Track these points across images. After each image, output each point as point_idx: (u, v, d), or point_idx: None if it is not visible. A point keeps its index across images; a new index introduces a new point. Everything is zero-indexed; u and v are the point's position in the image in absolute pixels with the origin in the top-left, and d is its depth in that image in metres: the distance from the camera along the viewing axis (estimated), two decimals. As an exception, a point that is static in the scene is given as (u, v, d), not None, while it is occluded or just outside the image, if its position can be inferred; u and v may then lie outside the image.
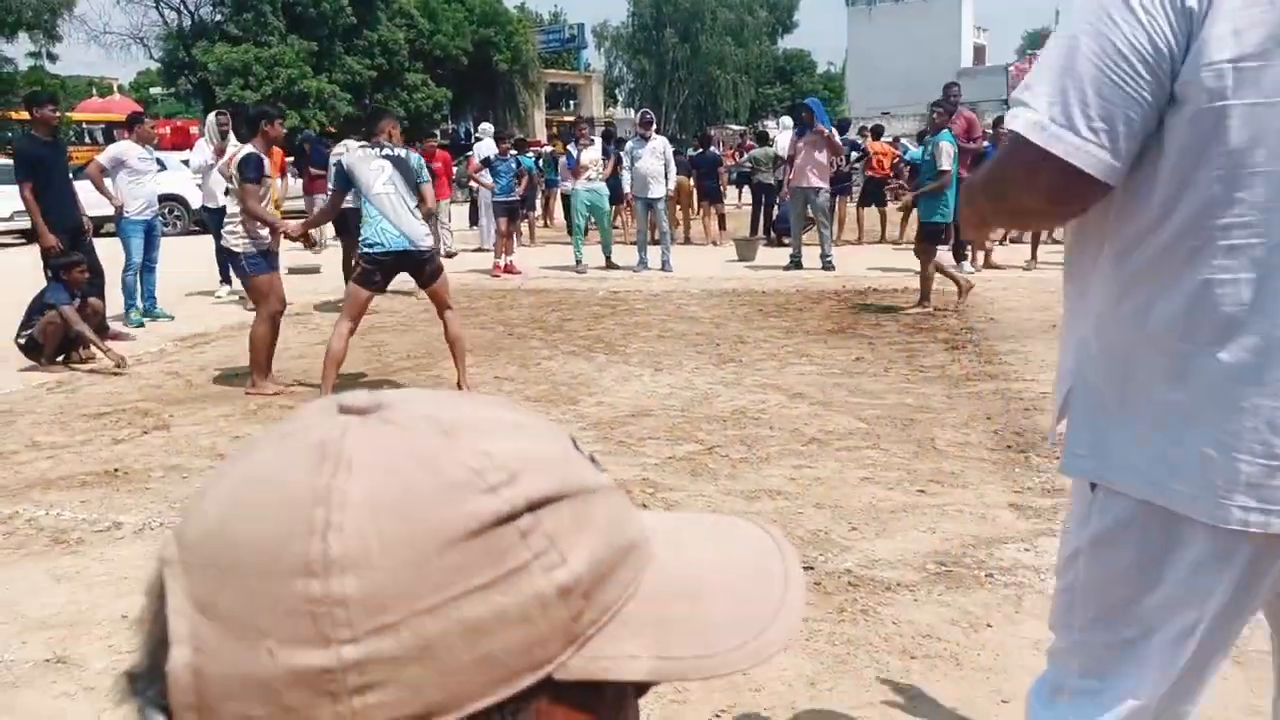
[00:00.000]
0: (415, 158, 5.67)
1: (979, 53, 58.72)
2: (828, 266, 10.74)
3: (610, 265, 11.49)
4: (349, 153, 5.60)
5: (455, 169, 15.12)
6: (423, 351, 6.97)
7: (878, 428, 4.81)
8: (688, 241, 14.33)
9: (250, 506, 0.41)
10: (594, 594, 0.43)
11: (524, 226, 14.90)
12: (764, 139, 15.30)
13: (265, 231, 5.73)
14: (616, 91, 52.42)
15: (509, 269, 11.25)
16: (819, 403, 5.31)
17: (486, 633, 0.40)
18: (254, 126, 5.84)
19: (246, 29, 30.26)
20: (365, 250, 5.42)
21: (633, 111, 35.23)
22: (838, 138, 10.97)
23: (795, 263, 10.92)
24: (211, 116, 9.38)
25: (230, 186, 5.83)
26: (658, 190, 11.06)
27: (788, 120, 15.47)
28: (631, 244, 12.02)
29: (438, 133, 15.92)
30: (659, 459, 4.41)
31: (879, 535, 3.49)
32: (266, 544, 0.40)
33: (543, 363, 6.50)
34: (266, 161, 5.77)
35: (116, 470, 4.43)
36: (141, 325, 8.16)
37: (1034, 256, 10.59)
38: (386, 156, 5.50)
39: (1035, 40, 54.36)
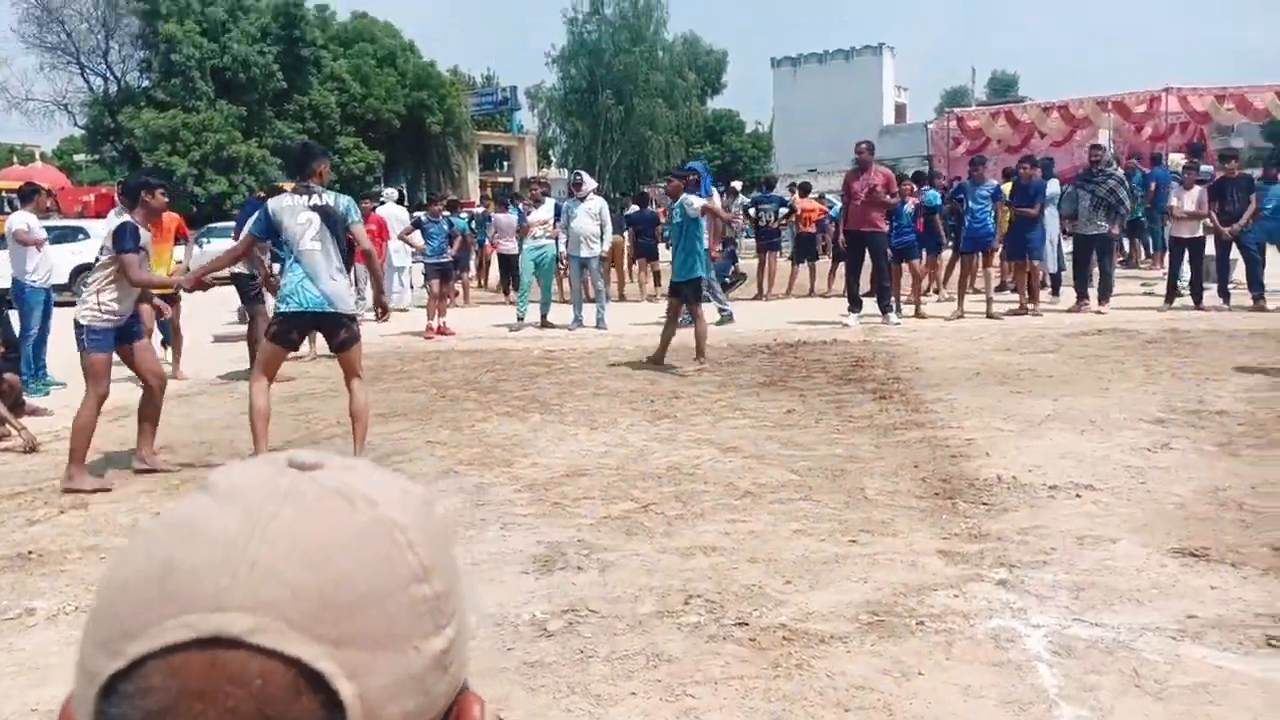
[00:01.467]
0: (345, 200, 5.42)
1: (900, 111, 60.68)
2: (726, 319, 10.85)
3: (546, 324, 11.51)
4: (276, 200, 5.39)
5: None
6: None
7: (809, 479, 4.86)
8: (622, 299, 14.43)
9: (334, 551, 0.46)
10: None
11: (458, 287, 14.89)
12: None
13: (124, 306, 5.33)
14: (550, 152, 52.93)
15: (442, 330, 11.20)
16: (752, 456, 5.36)
17: (466, 607, 0.52)
18: (134, 196, 5.53)
19: (174, 94, 30.05)
20: (283, 307, 5.23)
21: (566, 172, 35.60)
22: (716, 203, 11.16)
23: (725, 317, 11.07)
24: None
25: (100, 257, 5.43)
26: (591, 250, 11.16)
27: (735, 185, 15.92)
28: (567, 303, 12.07)
29: (374, 193, 15.80)
30: (594, 519, 4.40)
31: (812, 587, 3.51)
32: (375, 570, 0.47)
33: (476, 424, 6.45)
34: (144, 231, 5.43)
35: (30, 553, 4.26)
36: (46, 394, 7.96)
37: (960, 307, 10.87)
38: (315, 208, 5.24)
39: (954, 98, 56.39)
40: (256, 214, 5.46)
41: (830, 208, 15.15)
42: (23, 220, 8.27)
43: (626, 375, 8.07)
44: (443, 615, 0.49)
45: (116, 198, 8.97)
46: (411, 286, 14.77)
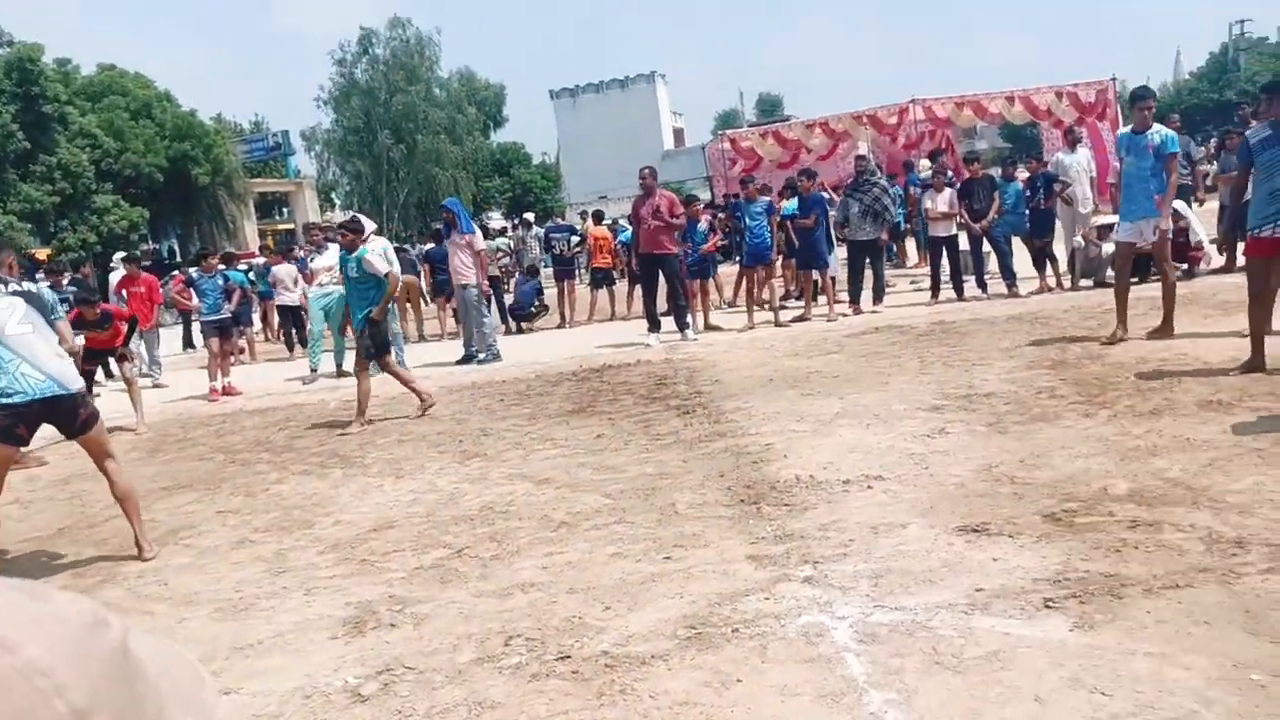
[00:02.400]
0: (48, 293, 5.17)
1: (679, 135, 62.94)
2: (492, 358, 10.87)
3: (342, 373, 11.07)
4: None
5: (161, 290, 14.09)
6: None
7: (622, 501, 4.89)
8: (422, 339, 14.12)
9: None
10: None
11: (243, 343, 14.11)
12: (487, 233, 15.51)
13: None
14: (333, 194, 51.23)
15: (228, 390, 10.56)
16: (565, 485, 5.34)
17: None
18: None
19: (-106, 163, 26.97)
20: (3, 401, 4.60)
21: (348, 213, 34.51)
22: (479, 241, 11.25)
23: (468, 356, 10.99)
24: None
25: None
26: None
27: (529, 216, 15.94)
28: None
29: (139, 253, 14.72)
30: (405, 571, 4.25)
31: (631, 610, 3.52)
32: None
33: (271, 488, 6.11)
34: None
35: None
36: None
37: (750, 319, 11.31)
38: (16, 293, 4.91)
39: (726, 120, 58.98)
40: None
41: (620, 233, 15.47)
42: None
43: (433, 417, 7.88)
44: None
45: None
46: (194, 346, 13.89)
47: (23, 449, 5.02)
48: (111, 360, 9.06)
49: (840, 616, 3.24)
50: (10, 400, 4.58)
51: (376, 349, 7.92)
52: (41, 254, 24.11)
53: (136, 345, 11.10)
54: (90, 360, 9.04)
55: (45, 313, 4.93)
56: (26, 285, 5.03)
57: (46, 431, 8.87)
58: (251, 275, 15.88)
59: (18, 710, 0.41)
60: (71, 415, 4.77)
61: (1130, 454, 4.66)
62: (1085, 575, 3.34)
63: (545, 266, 16.25)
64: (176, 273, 16.97)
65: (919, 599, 3.31)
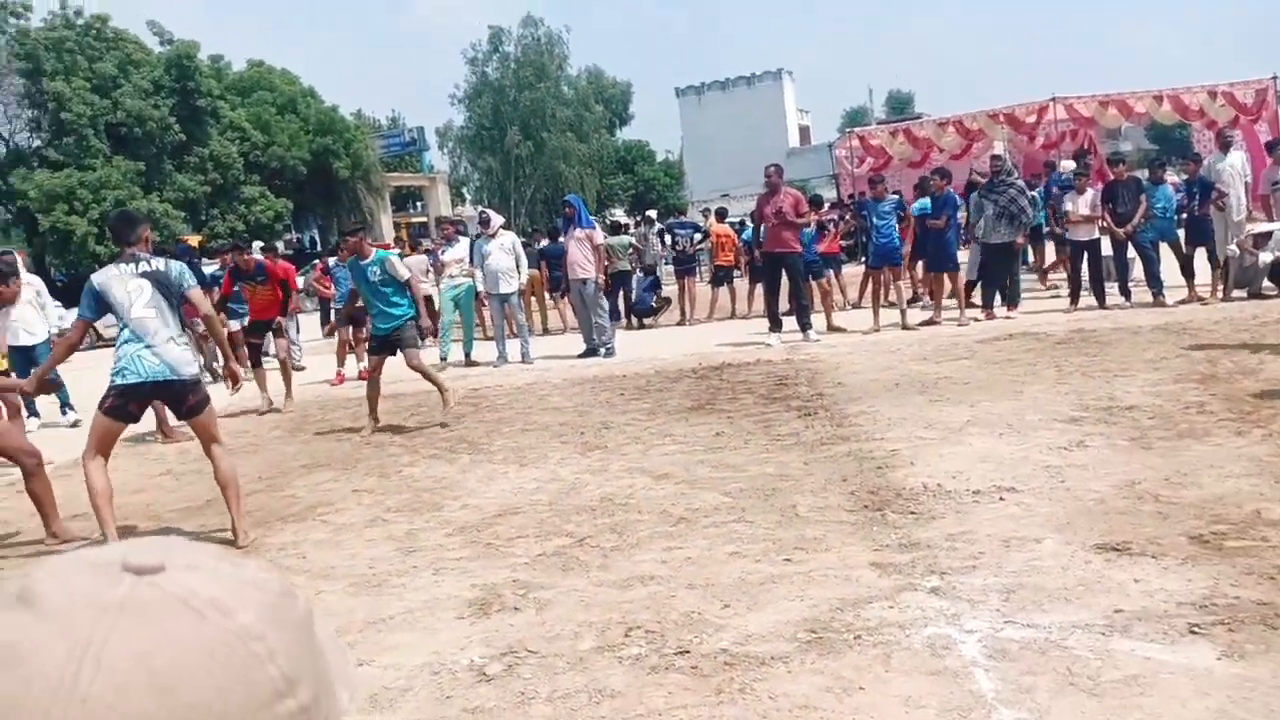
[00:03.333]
0: (177, 268, 5.11)
1: (804, 133, 62.18)
2: (607, 354, 10.94)
3: (470, 362, 11.40)
4: (101, 272, 5.03)
5: (300, 278, 14.77)
6: (275, 471, 6.69)
7: (742, 500, 4.88)
8: (545, 332, 14.38)
9: (182, 673, 0.41)
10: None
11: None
12: (617, 229, 15.68)
13: None
14: (464, 190, 52.69)
15: (363, 375, 10.98)
16: (684, 481, 5.36)
17: (333, 697, 0.49)
18: None
19: (68, 153, 29.12)
20: (117, 382, 4.85)
21: (478, 208, 35.48)
22: (598, 235, 11.39)
23: (590, 350, 11.09)
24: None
25: None
26: (509, 285, 11.13)
27: (651, 214, 16.07)
28: (490, 339, 11.98)
29: (279, 244, 15.45)
30: (529, 557, 4.34)
31: (750, 609, 3.51)
32: (234, 689, 0.42)
33: (404, 470, 6.34)
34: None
35: None
36: None
37: (876, 321, 11.09)
38: (145, 274, 4.93)
39: (855, 118, 57.94)
40: (84, 296, 5.01)
41: (741, 231, 15.40)
42: None
43: (555, 408, 8.03)
44: None
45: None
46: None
47: (132, 425, 5.27)
48: (271, 336, 9.36)
49: (969, 630, 3.15)
50: (125, 380, 4.82)
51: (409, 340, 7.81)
52: (193, 240, 25.58)
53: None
54: (254, 333, 9.46)
55: (174, 293, 4.96)
56: (156, 264, 5.01)
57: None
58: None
59: (236, 673, 0.42)
60: (180, 400, 4.99)
61: (1289, 477, 4.37)
62: (1235, 602, 3.15)
63: (666, 264, 16.31)
64: (317, 261, 17.75)
65: (1053, 617, 3.18)
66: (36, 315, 8.88)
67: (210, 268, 13.99)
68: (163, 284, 4.94)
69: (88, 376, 9.52)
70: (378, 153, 39.79)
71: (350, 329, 11.14)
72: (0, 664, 0.40)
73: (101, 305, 4.92)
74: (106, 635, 0.41)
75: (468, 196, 51.70)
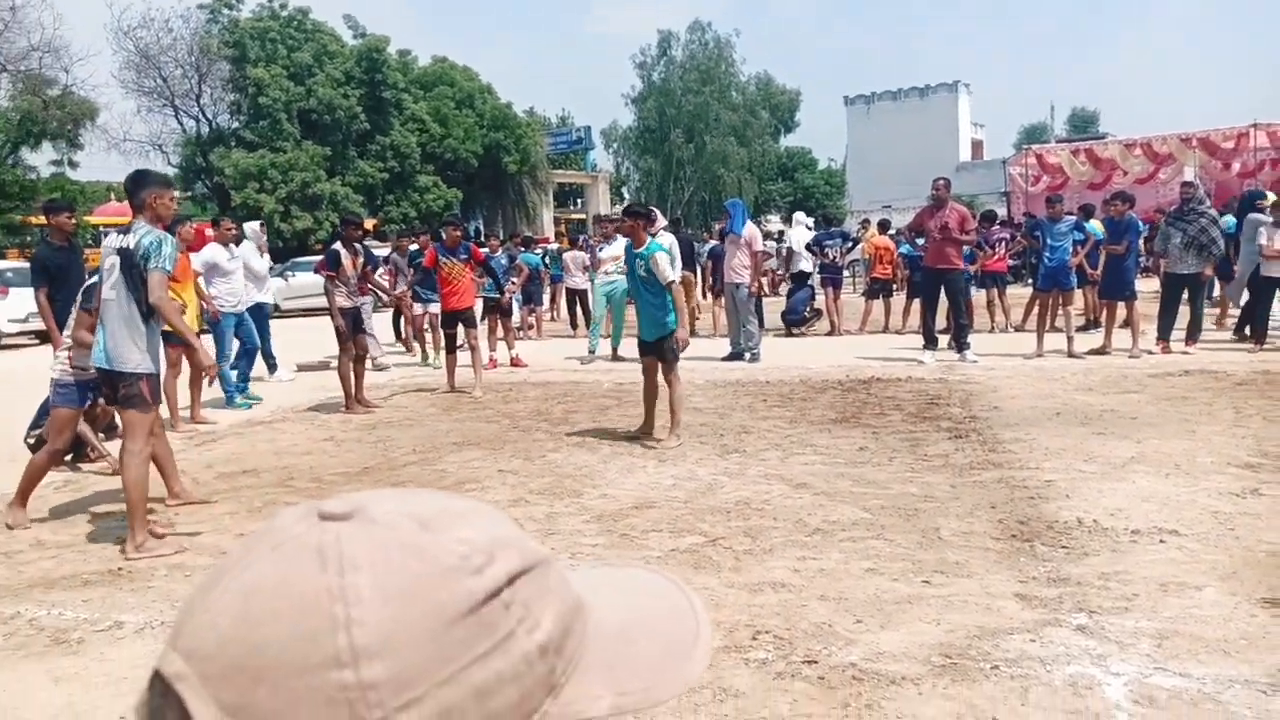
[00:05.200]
0: (150, 240, 4.61)
1: (977, 147, 59.99)
2: (752, 359, 10.84)
3: (617, 358, 11.60)
4: (106, 240, 4.88)
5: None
6: (428, 446, 7.00)
7: (882, 518, 4.78)
8: (694, 333, 14.44)
9: (267, 612, 0.44)
10: (563, 648, 0.50)
11: (533, 320, 15.13)
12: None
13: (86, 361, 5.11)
14: (624, 189, 53.54)
15: (515, 362, 11.36)
16: (823, 493, 5.30)
17: (490, 693, 0.46)
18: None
19: (262, 135, 31.26)
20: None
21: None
22: (759, 242, 11.39)
23: (735, 354, 11.05)
24: (255, 225, 10.70)
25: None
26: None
27: (800, 215, 15.84)
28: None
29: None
30: (662, 551, 4.39)
31: (883, 627, 3.45)
32: (296, 643, 0.43)
33: (547, 455, 6.52)
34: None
35: (119, 569, 4.42)
36: (249, 407, 9.01)
37: (1040, 346, 10.63)
38: (119, 250, 4.66)
39: (1032, 135, 55.54)
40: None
41: (898, 245, 15.02)
42: (211, 252, 9.23)
43: (696, 409, 8.07)
44: (375, 707, 0.43)
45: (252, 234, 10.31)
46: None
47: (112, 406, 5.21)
48: (461, 326, 9.55)
49: (1115, 673, 3.00)
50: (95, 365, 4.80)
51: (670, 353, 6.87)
52: (369, 224, 26.97)
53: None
54: (449, 324, 9.72)
55: (135, 272, 4.62)
56: (130, 239, 4.65)
57: (375, 378, 9.87)
58: (546, 259, 16.95)
59: (305, 630, 0.44)
60: (112, 390, 4.80)
61: None
62: None
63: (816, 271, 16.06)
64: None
65: (1210, 669, 2.99)
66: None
67: (382, 250, 14.75)
68: (128, 262, 4.63)
69: (297, 338, 10.21)
70: (545, 149, 40.89)
71: (497, 315, 11.50)
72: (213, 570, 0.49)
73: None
74: (249, 564, 0.47)
75: (627, 196, 52.48)
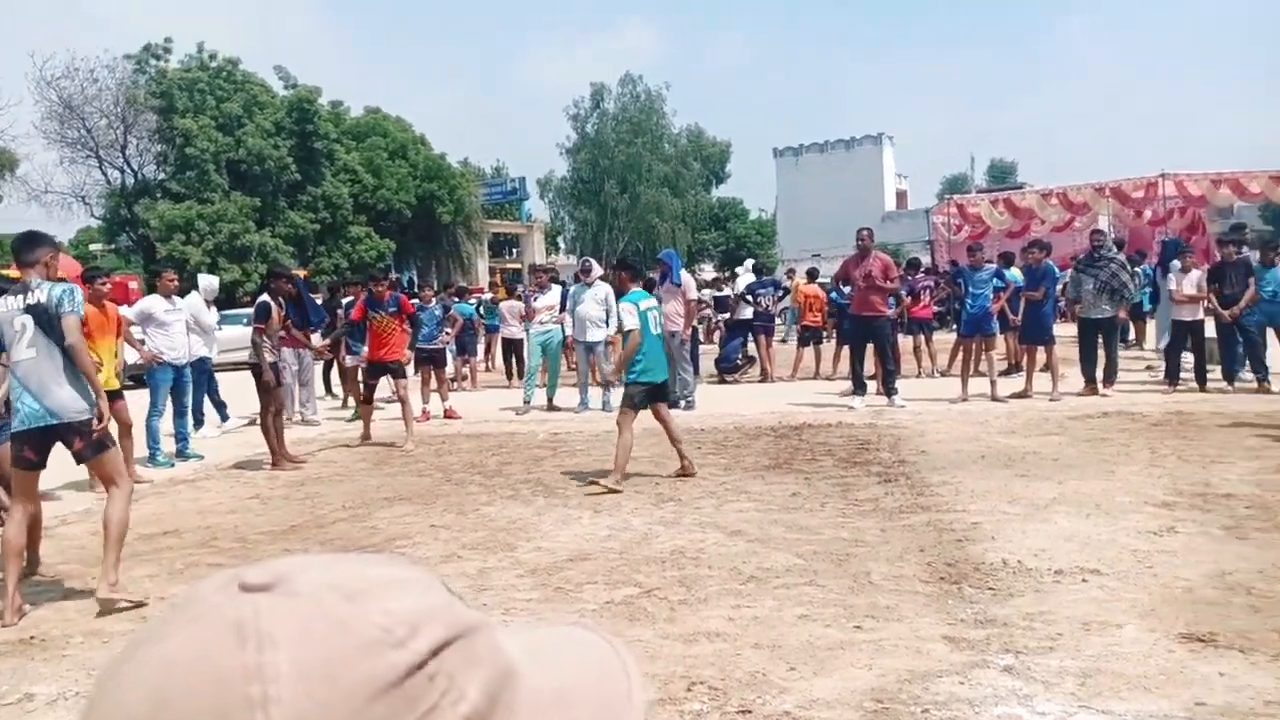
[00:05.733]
0: (57, 292, 4.66)
1: (901, 197, 61.74)
2: (687, 406, 10.92)
3: (552, 407, 11.57)
4: None
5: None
6: (358, 501, 6.88)
7: (815, 563, 4.83)
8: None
9: (180, 691, 0.42)
10: (489, 718, 0.48)
11: (467, 371, 15.02)
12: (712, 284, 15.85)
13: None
14: (559, 239, 53.79)
15: (448, 414, 11.24)
16: (757, 540, 5.33)
17: None
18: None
19: (189, 186, 30.76)
20: (13, 428, 4.75)
21: (574, 258, 36.09)
22: (693, 291, 11.68)
23: (671, 402, 11.11)
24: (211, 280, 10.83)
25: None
26: (597, 334, 11.30)
27: (749, 263, 16.10)
28: (574, 385, 12.15)
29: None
30: (596, 604, 4.37)
31: (816, 674, 3.47)
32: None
33: (481, 508, 6.45)
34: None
35: (32, 638, 4.24)
36: (172, 465, 8.78)
37: (964, 391, 10.89)
38: (29, 308, 4.61)
39: (954, 185, 57.38)
40: None
41: (828, 293, 15.35)
42: (148, 303, 9.16)
43: (632, 458, 8.06)
44: None
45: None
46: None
47: (41, 471, 4.90)
48: (390, 377, 9.52)
49: (1041, 712, 3.06)
50: (14, 428, 4.71)
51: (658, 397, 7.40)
52: (301, 273, 26.61)
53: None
54: (373, 375, 9.68)
55: (55, 328, 4.61)
56: (39, 294, 4.63)
57: (294, 434, 9.72)
58: (480, 309, 16.90)
59: (217, 710, 0.42)
60: (67, 443, 4.70)
61: (1398, 580, 4.14)
62: (1332, 708, 2.99)
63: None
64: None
65: (1131, 705, 3.07)
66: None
67: (319, 297, 14.58)
68: (43, 317, 4.60)
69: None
70: (480, 200, 40.97)
71: (430, 368, 11.40)
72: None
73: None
74: (163, 638, 0.46)
75: (562, 245, 52.75)
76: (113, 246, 36.03)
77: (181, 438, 9.23)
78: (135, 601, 4.65)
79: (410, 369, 11.93)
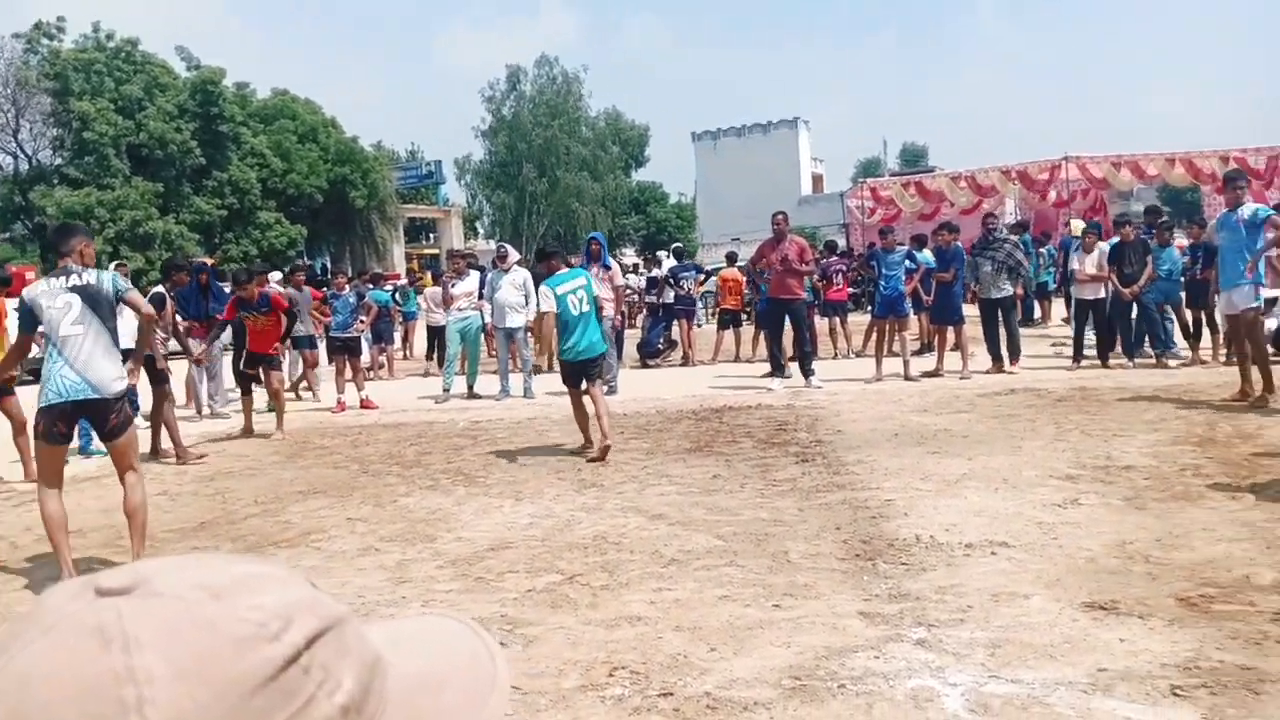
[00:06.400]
0: (108, 277, 5.07)
1: (817, 181, 62.51)
2: (610, 391, 10.96)
3: (473, 395, 11.45)
4: (32, 287, 5.02)
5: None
6: (270, 496, 6.71)
7: (734, 544, 4.88)
8: (551, 369, 14.42)
9: (46, 702, 0.41)
10: (364, 707, 0.49)
11: (384, 359, 14.75)
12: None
13: None
14: (477, 224, 53.11)
15: (365, 404, 11.03)
16: (678, 523, 5.37)
17: None
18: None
19: (88, 172, 29.47)
20: (41, 401, 4.86)
21: (493, 242, 35.77)
22: (618, 276, 11.76)
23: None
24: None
25: None
26: (516, 320, 11.21)
27: (677, 247, 16.08)
28: (494, 373, 12.04)
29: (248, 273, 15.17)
30: (518, 593, 4.34)
31: (736, 654, 3.51)
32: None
33: (399, 500, 6.35)
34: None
35: None
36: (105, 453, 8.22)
37: (879, 371, 11.12)
38: (75, 289, 4.88)
39: (868, 169, 58.39)
40: (20, 311, 5.12)
41: (746, 276, 15.52)
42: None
43: (554, 445, 8.05)
44: None
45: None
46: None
47: (70, 445, 5.20)
48: (263, 368, 9.50)
49: (952, 683, 3.15)
50: (46, 400, 4.83)
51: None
52: (209, 261, 25.78)
53: (289, 356, 11.74)
54: (251, 364, 9.54)
55: (105, 305, 4.92)
56: (87, 277, 4.94)
57: (203, 428, 9.48)
58: (396, 296, 16.61)
59: (91, 714, 0.41)
60: (102, 419, 4.93)
61: (1278, 542, 4.37)
62: (1219, 665, 3.14)
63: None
64: (312, 290, 17.95)
65: (1038, 673, 3.18)
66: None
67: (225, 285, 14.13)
68: (93, 297, 4.88)
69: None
70: (394, 184, 40.16)
71: (343, 357, 11.19)
72: None
73: (33, 320, 4.94)
74: (21, 649, 0.44)
75: (480, 230, 52.12)
76: (7, 235, 34.33)
77: (84, 433, 8.86)
78: None
79: (324, 358, 11.70)
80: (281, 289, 11.56)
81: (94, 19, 31.75)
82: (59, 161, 31.11)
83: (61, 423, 4.89)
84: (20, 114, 30.22)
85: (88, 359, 4.81)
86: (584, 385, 7.63)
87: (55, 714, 0.41)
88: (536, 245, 42.86)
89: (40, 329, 4.95)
